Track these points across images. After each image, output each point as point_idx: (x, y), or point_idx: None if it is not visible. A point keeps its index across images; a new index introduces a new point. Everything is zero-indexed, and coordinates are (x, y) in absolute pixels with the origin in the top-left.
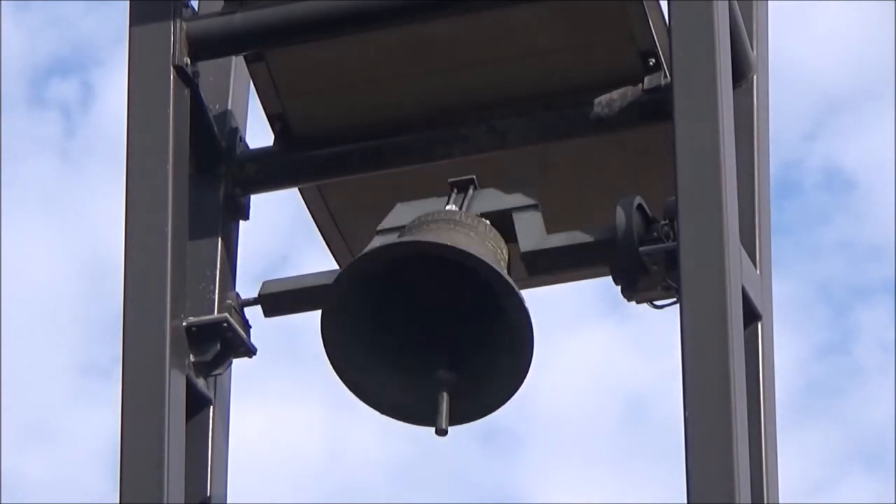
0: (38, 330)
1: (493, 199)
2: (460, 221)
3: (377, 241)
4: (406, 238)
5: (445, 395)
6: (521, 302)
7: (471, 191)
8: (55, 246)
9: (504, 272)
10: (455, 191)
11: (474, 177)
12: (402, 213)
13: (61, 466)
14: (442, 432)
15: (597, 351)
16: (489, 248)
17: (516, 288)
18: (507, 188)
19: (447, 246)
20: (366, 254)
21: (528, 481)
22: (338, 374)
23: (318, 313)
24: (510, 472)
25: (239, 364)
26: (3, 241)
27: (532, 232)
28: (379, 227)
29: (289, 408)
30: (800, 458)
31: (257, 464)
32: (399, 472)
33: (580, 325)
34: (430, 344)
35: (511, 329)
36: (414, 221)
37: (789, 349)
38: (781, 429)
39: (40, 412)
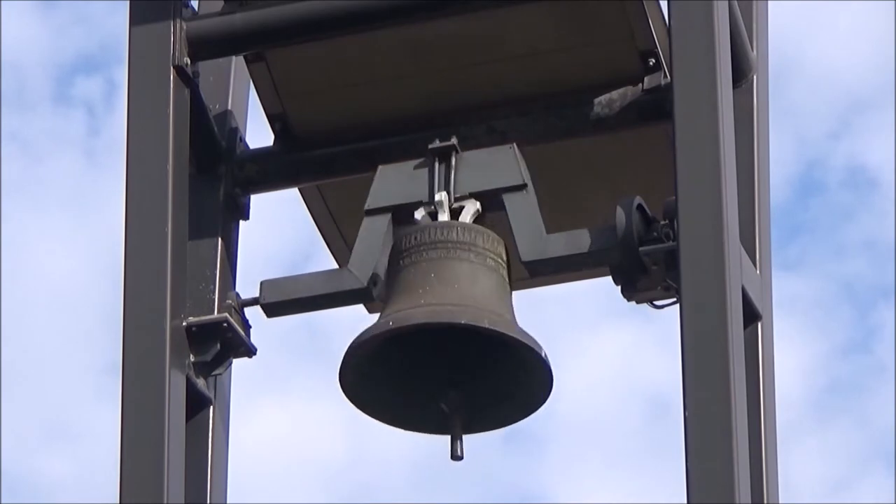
0: (60, 329)
1: (479, 175)
2: (458, 241)
3: (367, 232)
4: (410, 311)
5: (458, 421)
6: (539, 355)
7: (453, 159)
8: (79, 245)
9: (517, 334)
10: (437, 160)
11: (455, 142)
12: (386, 186)
13: (83, 466)
14: (457, 458)
15: (619, 350)
16: (490, 268)
17: (532, 344)
18: (489, 155)
19: (458, 324)
20: (373, 336)
21: (550, 481)
22: (354, 403)
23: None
24: (532, 472)
25: (260, 363)
26: (26, 240)
27: (528, 225)
28: (367, 206)
29: (311, 406)
30: (821, 457)
31: (278, 462)
32: (420, 471)
33: (602, 324)
34: (444, 366)
35: (526, 371)
36: (411, 243)
37: (812, 348)
38: (802, 428)
39: (63, 412)
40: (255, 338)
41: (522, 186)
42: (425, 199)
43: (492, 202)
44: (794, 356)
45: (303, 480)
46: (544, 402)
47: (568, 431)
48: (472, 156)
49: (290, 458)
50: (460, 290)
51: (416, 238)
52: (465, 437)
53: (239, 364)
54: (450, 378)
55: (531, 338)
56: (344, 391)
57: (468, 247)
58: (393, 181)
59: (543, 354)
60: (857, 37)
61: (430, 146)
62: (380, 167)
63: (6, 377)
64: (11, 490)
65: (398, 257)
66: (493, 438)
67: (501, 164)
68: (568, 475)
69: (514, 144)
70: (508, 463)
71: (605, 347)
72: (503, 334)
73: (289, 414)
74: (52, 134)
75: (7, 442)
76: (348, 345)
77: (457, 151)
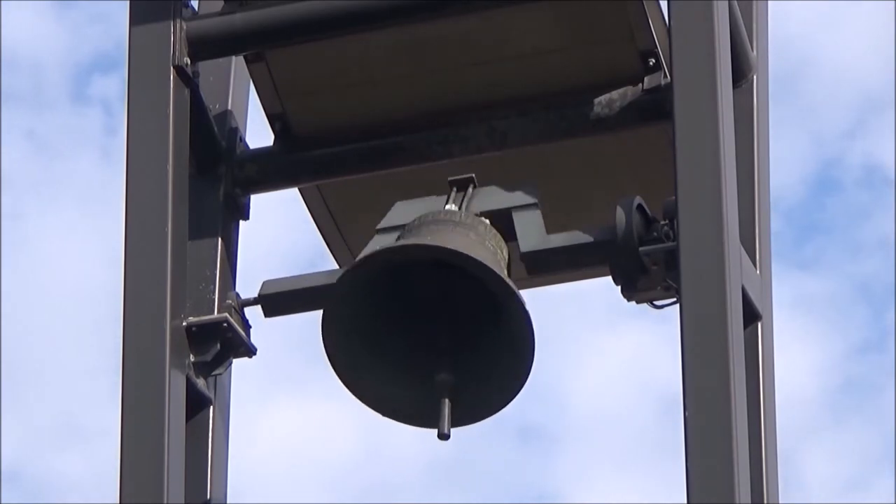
0: (75, 329)
1: (493, 198)
2: (460, 222)
3: (376, 243)
4: (404, 241)
5: (447, 400)
6: (520, 303)
7: (470, 189)
8: (95, 243)
9: (503, 273)
10: (455, 189)
11: (474, 175)
12: (401, 212)
13: (98, 465)
14: (444, 437)
15: (633, 349)
16: (489, 249)
17: (515, 289)
18: (508, 187)
19: (445, 249)
20: (365, 257)
21: (564, 480)
22: (338, 374)
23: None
24: (546, 472)
25: (275, 361)
26: (42, 238)
27: (532, 231)
28: (378, 227)
29: (323, 405)
30: (835, 457)
31: (291, 461)
32: (434, 470)
33: (616, 323)
34: (431, 345)
35: (511, 329)
36: (414, 222)
37: (827, 347)
38: (817, 427)
39: (77, 411)
40: (267, 337)
41: (533, 205)
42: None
43: (502, 224)
44: (808, 355)
45: (315, 479)
46: (530, 363)
47: (582, 430)
48: (489, 188)
49: (301, 457)
50: (454, 244)
51: (418, 220)
52: (461, 437)
53: (250, 363)
54: (438, 358)
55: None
56: (328, 353)
57: (469, 227)
58: (407, 208)
59: (524, 303)
60: (872, 35)
61: (449, 178)
62: (396, 203)
63: (21, 376)
64: (27, 489)
65: (398, 236)
66: (507, 437)
67: (517, 190)
68: (582, 474)
69: (536, 182)
70: (522, 462)
71: (619, 346)
72: (487, 267)
73: (301, 413)
74: (70, 132)
75: (23, 442)
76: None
77: (474, 185)
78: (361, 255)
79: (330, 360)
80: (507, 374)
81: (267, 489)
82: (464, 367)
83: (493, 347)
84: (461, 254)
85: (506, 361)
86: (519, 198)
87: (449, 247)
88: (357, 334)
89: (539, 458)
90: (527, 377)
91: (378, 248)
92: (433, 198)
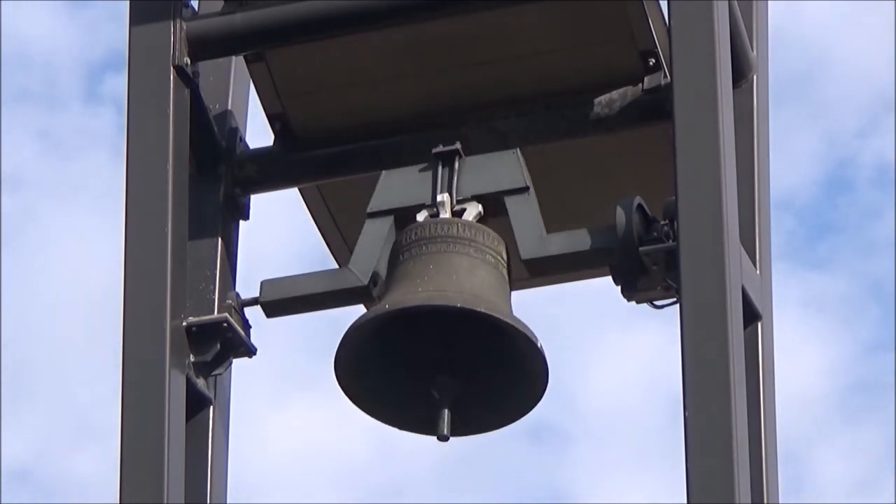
0: (88, 329)
1: (482, 177)
2: (458, 237)
3: (368, 233)
4: (407, 298)
5: (447, 404)
6: (533, 344)
7: (457, 163)
8: (109, 243)
9: (513, 322)
10: (440, 165)
11: (459, 146)
12: (390, 190)
13: (110, 464)
14: (443, 438)
15: (645, 348)
16: (490, 264)
17: (528, 333)
18: (493, 159)
19: (452, 307)
20: (369, 319)
21: (576, 480)
22: (347, 394)
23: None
24: (557, 471)
25: (283, 361)
26: (55, 238)
27: (529, 225)
28: (369, 210)
29: (335, 404)
30: (846, 456)
31: (301, 461)
32: (446, 470)
33: (628, 322)
34: (437, 364)
35: (522, 362)
36: (409, 238)
37: (839, 346)
38: (827, 426)
39: (89, 410)
40: (274, 337)
41: (524, 189)
42: (427, 201)
43: (494, 205)
44: (820, 355)
45: (325, 479)
46: (540, 397)
47: (594, 430)
48: (475, 160)
49: (311, 457)
50: (458, 280)
51: (416, 233)
52: (471, 437)
53: (259, 363)
54: (444, 369)
55: (527, 328)
56: (338, 380)
57: (468, 242)
58: (396, 185)
59: (539, 345)
60: (885, 35)
61: (433, 150)
62: (383, 172)
63: (32, 375)
64: (39, 488)
65: (398, 253)
66: (520, 437)
67: (504, 168)
68: (593, 474)
69: (518, 149)
70: (533, 461)
71: (631, 346)
72: (499, 319)
73: (310, 412)
74: (82, 131)
75: (34, 441)
76: (344, 331)
77: (460, 156)
78: (364, 317)
79: (341, 384)
80: (513, 395)
81: (277, 489)
82: (470, 377)
83: (501, 369)
84: (467, 310)
85: (514, 384)
86: (509, 177)
87: (454, 304)
88: (367, 362)
89: (550, 458)
90: (535, 404)
91: (386, 307)
92: (420, 171)
